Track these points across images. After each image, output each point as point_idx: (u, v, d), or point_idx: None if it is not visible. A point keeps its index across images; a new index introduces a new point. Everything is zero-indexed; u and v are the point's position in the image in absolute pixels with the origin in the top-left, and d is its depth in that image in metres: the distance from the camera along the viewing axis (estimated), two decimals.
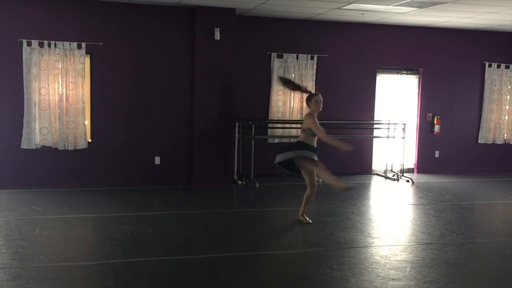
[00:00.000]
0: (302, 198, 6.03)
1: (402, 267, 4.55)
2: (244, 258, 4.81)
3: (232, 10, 8.09)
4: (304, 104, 6.35)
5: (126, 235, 5.39)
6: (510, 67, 10.14)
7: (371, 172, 9.71)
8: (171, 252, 4.93)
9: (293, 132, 8.98)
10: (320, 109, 5.86)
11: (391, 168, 9.55)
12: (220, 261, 4.67)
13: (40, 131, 7.68)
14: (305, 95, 6.04)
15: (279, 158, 5.80)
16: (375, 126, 9.64)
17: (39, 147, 7.71)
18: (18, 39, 7.51)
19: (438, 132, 9.92)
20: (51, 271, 4.33)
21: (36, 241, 5.19)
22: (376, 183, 9.02)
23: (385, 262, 4.65)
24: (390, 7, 7.67)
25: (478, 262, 4.92)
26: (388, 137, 9.45)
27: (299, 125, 8.81)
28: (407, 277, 4.30)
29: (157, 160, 8.31)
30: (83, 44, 7.75)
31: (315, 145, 5.81)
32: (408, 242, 5.41)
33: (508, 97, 10.23)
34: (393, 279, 4.23)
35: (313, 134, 5.71)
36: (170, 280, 4.19)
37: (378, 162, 9.82)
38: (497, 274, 4.56)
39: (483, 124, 10.13)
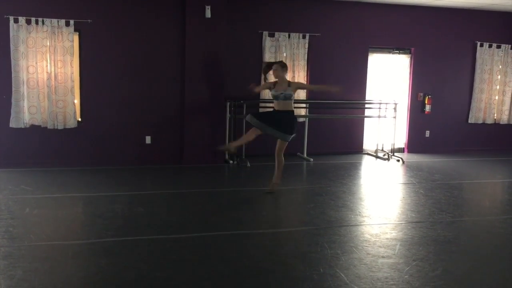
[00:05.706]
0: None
1: (392, 245, 4.59)
2: (235, 236, 4.83)
3: None
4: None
5: (117, 214, 5.38)
6: (502, 47, 10.13)
7: (362, 151, 9.74)
8: (162, 231, 4.93)
9: None
10: (276, 76, 6.33)
11: (382, 147, 9.58)
12: (211, 240, 4.68)
13: (28, 109, 7.59)
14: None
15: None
16: (366, 105, 9.63)
17: (28, 126, 7.63)
18: (5, 16, 7.37)
19: (429, 112, 9.94)
20: (42, 250, 4.32)
21: (26, 220, 5.16)
22: (367, 162, 9.05)
23: (375, 240, 4.69)
24: None
25: (467, 240, 4.98)
26: (379, 116, 9.45)
27: None
28: (397, 254, 4.35)
29: (148, 139, 8.26)
30: (72, 21, 7.62)
31: (276, 108, 6.28)
32: (398, 221, 5.45)
33: (499, 77, 10.25)
34: (383, 257, 4.27)
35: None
36: (161, 258, 4.20)
37: (369, 142, 9.84)
38: (485, 251, 4.61)
39: (474, 104, 10.16)
